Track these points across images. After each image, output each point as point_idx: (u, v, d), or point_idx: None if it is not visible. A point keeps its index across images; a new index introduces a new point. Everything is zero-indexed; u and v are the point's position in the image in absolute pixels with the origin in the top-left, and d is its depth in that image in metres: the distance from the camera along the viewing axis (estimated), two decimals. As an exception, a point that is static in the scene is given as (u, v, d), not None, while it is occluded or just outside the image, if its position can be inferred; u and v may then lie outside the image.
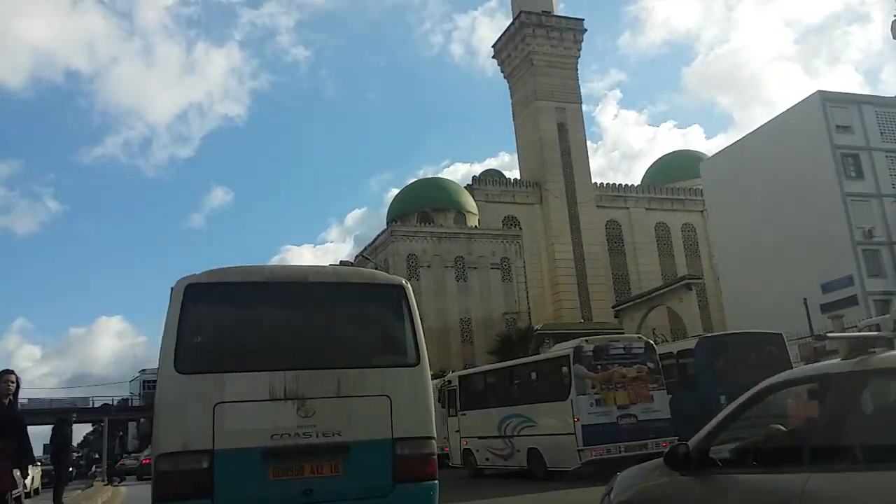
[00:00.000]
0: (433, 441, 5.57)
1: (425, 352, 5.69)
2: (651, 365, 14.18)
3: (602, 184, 60.68)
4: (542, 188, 56.91)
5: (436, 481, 5.53)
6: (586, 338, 14.53)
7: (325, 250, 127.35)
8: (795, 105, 40.33)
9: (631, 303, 33.46)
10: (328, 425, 5.23)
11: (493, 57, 63.30)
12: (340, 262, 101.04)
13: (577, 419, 13.48)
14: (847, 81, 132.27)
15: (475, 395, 18.01)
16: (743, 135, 44.21)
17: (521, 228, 51.60)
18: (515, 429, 15.57)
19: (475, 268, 47.97)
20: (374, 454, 5.29)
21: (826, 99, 38.46)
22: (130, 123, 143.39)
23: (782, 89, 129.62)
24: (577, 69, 60.40)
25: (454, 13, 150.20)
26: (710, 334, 18.86)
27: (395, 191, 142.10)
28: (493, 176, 57.49)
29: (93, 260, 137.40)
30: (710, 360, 15.53)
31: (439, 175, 62.28)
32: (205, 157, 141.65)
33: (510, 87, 62.17)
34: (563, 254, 55.80)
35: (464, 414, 17.96)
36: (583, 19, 60.72)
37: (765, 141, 41.09)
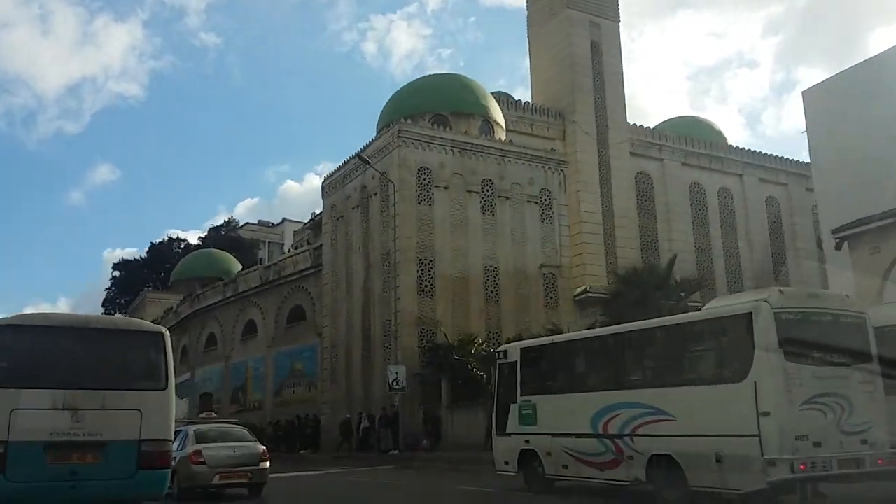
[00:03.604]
0: (169, 442, 8.52)
1: (173, 379, 8.57)
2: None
3: (636, 125, 47.81)
4: (567, 120, 43.41)
5: (168, 470, 8.51)
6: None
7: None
8: None
9: (876, 223, 19.84)
10: (93, 428, 7.79)
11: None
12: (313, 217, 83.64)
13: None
14: (731, 122, 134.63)
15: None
16: None
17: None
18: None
19: (507, 198, 33.96)
20: (125, 450, 7.93)
21: None
22: (15, 91, 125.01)
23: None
24: (616, -23, 47.40)
25: (371, 14, 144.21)
26: None
27: (292, 182, 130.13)
28: (504, 97, 43.50)
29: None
30: None
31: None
32: (94, 134, 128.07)
33: (528, -10, 48.53)
34: (590, 205, 42.33)
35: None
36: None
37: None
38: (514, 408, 12.92)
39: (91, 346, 8.42)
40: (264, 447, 14.54)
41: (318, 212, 60.32)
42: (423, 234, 31.29)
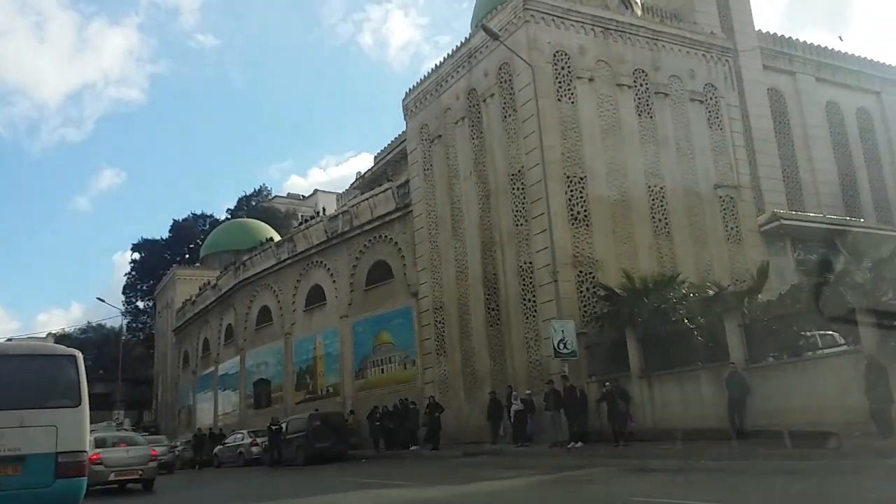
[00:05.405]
0: (84, 453, 8.88)
1: (86, 396, 8.94)
2: None
3: (761, 31, 38.86)
4: (685, 22, 34.52)
5: (84, 478, 8.78)
6: None
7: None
8: None
9: None
10: (12, 444, 8.22)
11: None
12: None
13: None
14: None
15: None
16: None
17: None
18: None
19: (665, 94, 25.31)
20: (43, 462, 8.35)
21: None
22: (16, 101, 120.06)
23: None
24: None
25: (367, 4, 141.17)
26: None
27: (297, 178, 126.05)
28: (608, -3, 34.61)
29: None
30: None
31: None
32: (98, 140, 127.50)
33: None
34: (726, 126, 33.59)
35: None
36: None
37: None
38: None
39: (10, 368, 8.89)
40: (154, 449, 18.51)
41: (362, 171, 51.91)
42: (568, 143, 22.66)
